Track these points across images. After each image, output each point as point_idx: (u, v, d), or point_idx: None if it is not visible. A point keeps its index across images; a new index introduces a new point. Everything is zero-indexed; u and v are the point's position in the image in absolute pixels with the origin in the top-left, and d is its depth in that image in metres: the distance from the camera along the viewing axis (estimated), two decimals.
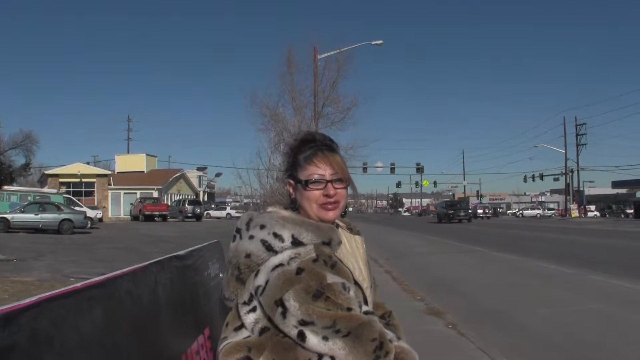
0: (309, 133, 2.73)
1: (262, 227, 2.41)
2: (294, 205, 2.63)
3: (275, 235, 2.37)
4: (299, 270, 2.29)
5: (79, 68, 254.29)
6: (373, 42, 35.73)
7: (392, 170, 76.67)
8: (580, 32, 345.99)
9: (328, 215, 2.53)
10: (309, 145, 2.61)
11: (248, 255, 2.39)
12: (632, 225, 54.96)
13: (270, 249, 2.35)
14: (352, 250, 2.68)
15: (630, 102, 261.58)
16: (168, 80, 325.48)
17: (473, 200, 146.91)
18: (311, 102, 31.99)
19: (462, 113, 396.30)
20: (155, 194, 75.53)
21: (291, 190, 2.65)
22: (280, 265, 2.31)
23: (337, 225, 2.71)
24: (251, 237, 2.41)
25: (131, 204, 72.78)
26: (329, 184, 2.52)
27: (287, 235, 2.36)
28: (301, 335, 2.23)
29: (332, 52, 32.95)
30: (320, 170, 2.53)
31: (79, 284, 1.91)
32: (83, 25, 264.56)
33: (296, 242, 2.36)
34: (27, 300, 1.59)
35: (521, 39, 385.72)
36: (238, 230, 2.51)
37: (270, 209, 2.59)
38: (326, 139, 2.68)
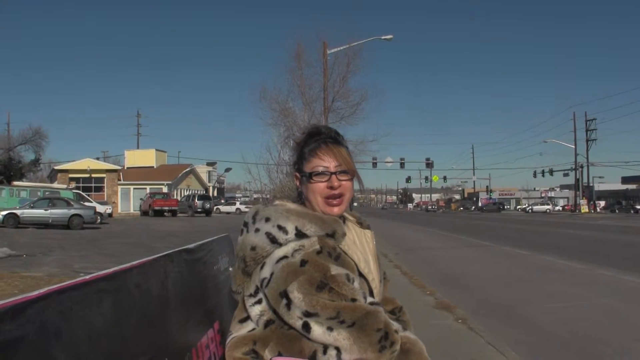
0: (315, 126, 2.73)
1: (267, 219, 2.42)
2: (300, 198, 2.64)
3: (280, 227, 2.37)
4: (303, 262, 2.29)
5: (88, 63, 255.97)
6: (383, 37, 35.57)
7: (402, 165, 76.64)
8: (590, 27, 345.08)
9: (333, 211, 2.52)
10: (314, 138, 2.62)
11: (253, 248, 2.40)
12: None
13: (274, 241, 2.36)
14: (361, 244, 2.68)
15: None
16: (177, 75, 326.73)
17: (483, 196, 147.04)
18: (321, 96, 31.88)
19: (471, 108, 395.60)
20: (165, 189, 75.50)
21: (298, 183, 2.66)
22: (285, 257, 2.32)
23: (344, 219, 2.70)
24: (257, 230, 2.42)
25: (141, 199, 72.84)
26: (333, 176, 2.52)
27: (291, 228, 2.37)
28: (306, 327, 2.23)
29: (341, 47, 32.84)
30: (324, 162, 2.53)
31: (87, 277, 1.91)
32: (92, 21, 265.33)
33: (300, 234, 2.36)
34: (36, 292, 1.59)
35: (531, 34, 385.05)
36: (245, 224, 2.51)
37: (277, 202, 2.60)
38: (331, 131, 2.68)
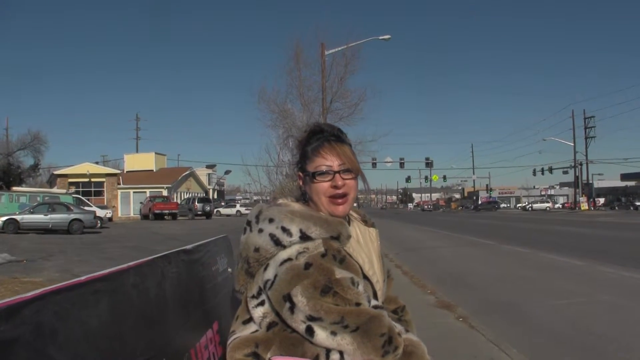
0: (317, 124, 2.70)
1: (271, 220, 2.39)
2: (304, 198, 2.61)
3: (284, 229, 2.34)
4: (307, 265, 2.27)
5: (86, 67, 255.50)
6: (380, 37, 35.58)
7: (402, 165, 76.64)
8: (588, 24, 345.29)
9: (338, 210, 2.50)
10: (317, 137, 2.59)
11: (257, 249, 2.38)
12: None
13: (278, 243, 2.34)
14: (365, 243, 2.66)
15: (639, 94, 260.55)
16: (176, 78, 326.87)
17: (483, 195, 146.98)
18: (319, 97, 31.87)
19: (470, 107, 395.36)
20: (165, 193, 75.59)
21: (301, 183, 2.63)
22: (289, 259, 2.30)
23: (349, 219, 2.69)
24: (260, 231, 2.40)
25: (141, 202, 72.84)
26: (337, 175, 2.49)
27: (295, 230, 2.34)
28: (309, 331, 2.22)
29: (339, 48, 32.80)
30: (327, 161, 2.50)
31: (83, 277, 1.90)
32: (91, 24, 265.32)
33: (304, 237, 2.33)
34: (31, 293, 1.58)
35: (529, 32, 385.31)
36: (248, 223, 2.49)
37: (280, 200, 2.58)
38: (334, 129, 2.65)
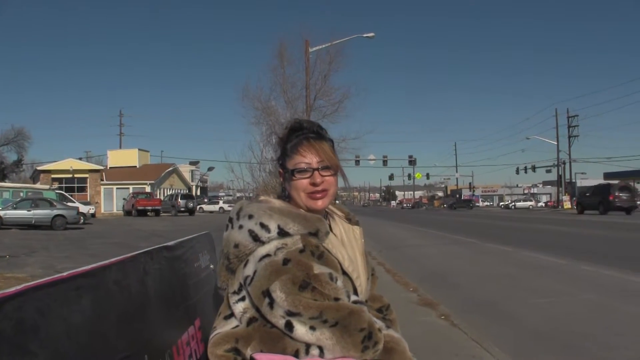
0: (297, 121, 2.71)
1: (251, 217, 2.42)
2: (285, 194, 2.63)
3: (262, 225, 2.37)
4: (286, 261, 2.29)
5: (70, 62, 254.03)
6: (365, 35, 35.70)
7: (385, 162, 76.82)
8: (573, 25, 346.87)
9: (317, 204, 2.52)
10: (296, 134, 2.61)
11: (236, 245, 2.41)
12: (624, 217, 54.93)
13: (257, 239, 2.37)
14: (349, 241, 2.68)
15: (622, 93, 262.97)
16: (160, 74, 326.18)
17: (466, 193, 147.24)
18: (303, 95, 32.01)
19: (454, 105, 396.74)
20: (148, 189, 75.40)
21: (282, 179, 2.66)
22: (268, 255, 2.32)
23: (331, 217, 2.71)
24: (240, 227, 2.42)
25: (124, 199, 72.71)
26: (316, 172, 2.52)
27: (273, 226, 2.36)
28: (289, 326, 2.24)
29: (323, 45, 32.92)
30: (306, 159, 2.53)
31: (65, 273, 1.90)
32: (73, 19, 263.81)
33: (282, 233, 2.36)
34: (13, 289, 1.58)
35: (513, 32, 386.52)
36: (230, 220, 2.51)
37: (261, 197, 2.60)
38: (314, 126, 2.67)
